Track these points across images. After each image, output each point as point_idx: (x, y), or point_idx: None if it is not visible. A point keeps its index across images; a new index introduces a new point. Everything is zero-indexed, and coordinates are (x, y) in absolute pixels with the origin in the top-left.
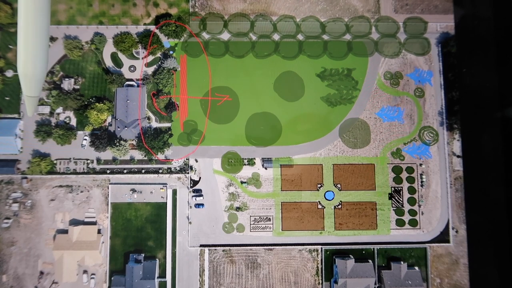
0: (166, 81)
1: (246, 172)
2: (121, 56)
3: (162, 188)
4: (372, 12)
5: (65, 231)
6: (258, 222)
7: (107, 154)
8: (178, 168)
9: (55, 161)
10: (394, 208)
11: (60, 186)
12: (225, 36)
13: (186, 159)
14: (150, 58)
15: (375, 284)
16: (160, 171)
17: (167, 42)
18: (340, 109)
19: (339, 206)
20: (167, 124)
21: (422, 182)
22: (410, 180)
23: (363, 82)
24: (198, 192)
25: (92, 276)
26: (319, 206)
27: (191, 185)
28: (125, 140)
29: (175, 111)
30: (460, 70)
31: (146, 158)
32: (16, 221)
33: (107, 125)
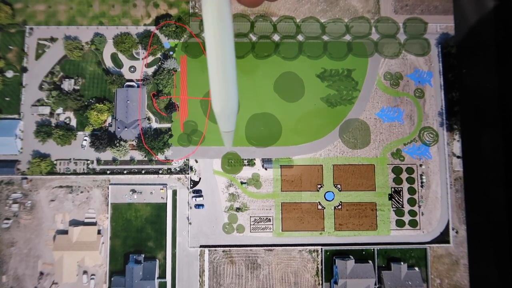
0: (166, 82)
1: (246, 172)
2: (121, 56)
3: (162, 189)
4: (372, 13)
5: (65, 232)
6: (258, 222)
7: (107, 154)
8: (178, 169)
9: (55, 162)
10: (394, 209)
11: (60, 186)
12: None
13: (186, 159)
14: (150, 58)
15: (375, 284)
16: (160, 171)
17: (167, 42)
18: (340, 110)
19: (339, 207)
20: (167, 125)
21: (422, 182)
22: (410, 180)
23: (363, 83)
24: (198, 193)
25: (92, 276)
26: (319, 207)
27: (191, 185)
28: (125, 141)
29: (175, 112)
30: (460, 71)
31: (146, 159)
32: (16, 221)
33: (107, 125)
